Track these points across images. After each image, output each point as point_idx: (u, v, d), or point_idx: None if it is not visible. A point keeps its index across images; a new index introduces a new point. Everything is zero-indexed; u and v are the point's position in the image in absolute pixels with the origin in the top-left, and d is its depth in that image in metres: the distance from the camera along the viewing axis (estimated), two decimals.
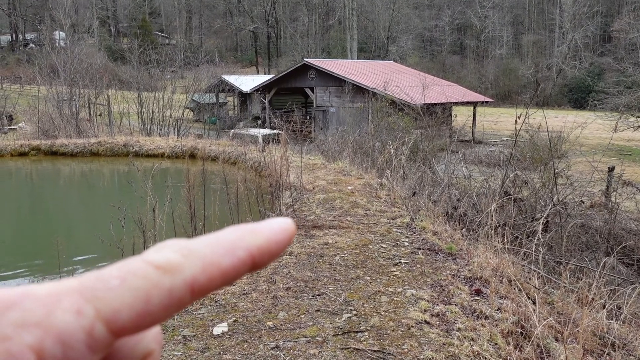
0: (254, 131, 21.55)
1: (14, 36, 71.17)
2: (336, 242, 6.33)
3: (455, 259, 5.90)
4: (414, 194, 8.95)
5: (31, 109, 25.17)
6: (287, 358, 3.78)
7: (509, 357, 3.91)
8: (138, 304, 0.27)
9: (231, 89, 34.94)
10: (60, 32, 55.68)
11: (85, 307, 0.27)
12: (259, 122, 32.82)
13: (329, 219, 7.40)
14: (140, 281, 0.28)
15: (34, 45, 62.16)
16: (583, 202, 9.71)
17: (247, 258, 0.31)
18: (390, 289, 4.95)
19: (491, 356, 3.88)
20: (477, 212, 8.50)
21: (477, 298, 4.88)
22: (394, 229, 6.90)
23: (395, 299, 4.73)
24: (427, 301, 4.68)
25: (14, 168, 16.81)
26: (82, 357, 0.26)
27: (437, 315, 4.44)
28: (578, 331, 4.34)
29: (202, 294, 0.30)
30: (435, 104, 22.72)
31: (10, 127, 25.98)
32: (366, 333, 4.11)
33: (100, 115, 25.44)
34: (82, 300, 0.27)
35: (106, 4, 76.57)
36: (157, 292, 0.28)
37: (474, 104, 30.14)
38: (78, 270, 7.56)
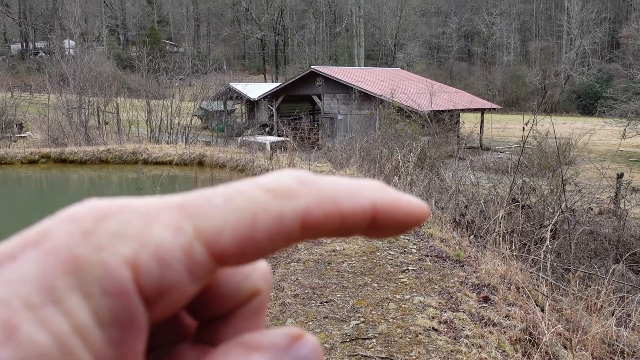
0: (262, 138, 21.62)
1: (24, 45, 71.91)
2: (344, 249, 6.34)
3: (463, 266, 5.90)
4: None
5: (41, 117, 25.41)
6: None
7: None
8: (242, 227, 0.24)
9: (239, 97, 35.11)
10: (70, 41, 56.27)
11: (185, 224, 0.24)
12: (267, 129, 32.94)
13: None
14: (248, 202, 0.25)
15: (44, 54, 62.80)
16: (592, 209, 9.67)
17: (369, 208, 0.27)
18: (398, 296, 4.95)
19: None
20: (485, 219, 8.48)
21: (485, 305, 4.88)
22: (402, 236, 6.90)
23: (403, 306, 4.74)
24: (435, 308, 4.68)
25: (24, 175, 16.96)
26: (180, 280, 0.24)
27: (445, 322, 4.44)
28: (587, 339, 4.33)
29: (312, 232, 0.26)
30: (443, 110, 22.72)
31: (20, 135, 26.22)
32: (374, 340, 4.11)
33: (107, 124, 25.61)
34: (181, 217, 0.24)
35: (115, 13, 77.28)
36: (265, 216, 0.25)
37: (482, 111, 30.11)
38: None
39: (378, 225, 0.27)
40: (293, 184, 0.26)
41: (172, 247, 0.24)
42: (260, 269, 0.30)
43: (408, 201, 0.28)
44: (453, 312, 4.63)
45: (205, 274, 0.24)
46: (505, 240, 6.59)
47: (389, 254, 6.19)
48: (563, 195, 8.86)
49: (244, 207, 0.25)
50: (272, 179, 0.26)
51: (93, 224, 0.23)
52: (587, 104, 51.19)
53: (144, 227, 0.24)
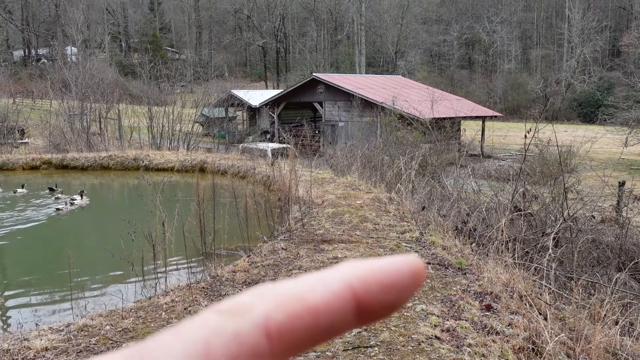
0: (263, 145, 21.64)
1: (26, 51, 72.09)
2: (345, 257, 6.31)
3: (465, 273, 5.87)
4: (423, 208, 8.92)
5: (43, 123, 25.45)
6: None
7: None
8: (194, 356, 0.22)
9: (240, 104, 35.14)
10: (72, 48, 56.43)
11: None
12: (268, 136, 32.94)
13: (338, 233, 7.39)
14: (198, 328, 0.23)
15: (46, 60, 62.99)
16: (594, 217, 9.64)
17: (342, 290, 0.24)
18: None
19: None
20: (487, 226, 8.46)
21: (487, 313, 4.85)
22: (403, 244, 6.88)
23: (405, 314, 4.71)
24: (437, 316, 4.65)
25: (25, 181, 16.94)
26: None
27: (448, 330, 4.41)
28: (590, 347, 4.30)
29: (286, 341, 0.23)
30: (444, 118, 22.72)
31: (21, 141, 26.25)
32: (376, 348, 4.08)
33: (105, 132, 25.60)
34: None
35: (117, 20, 77.53)
36: (217, 339, 0.23)
37: (483, 119, 30.11)
38: (87, 283, 7.58)
39: (367, 302, 0.24)
40: (248, 299, 0.24)
41: None
42: None
43: (391, 262, 0.25)
44: (455, 320, 4.61)
45: None
46: (508, 248, 6.57)
47: None
48: (565, 203, 8.84)
49: (194, 334, 0.23)
50: (230, 300, 0.25)
51: None
52: (588, 111, 51.21)
53: None
